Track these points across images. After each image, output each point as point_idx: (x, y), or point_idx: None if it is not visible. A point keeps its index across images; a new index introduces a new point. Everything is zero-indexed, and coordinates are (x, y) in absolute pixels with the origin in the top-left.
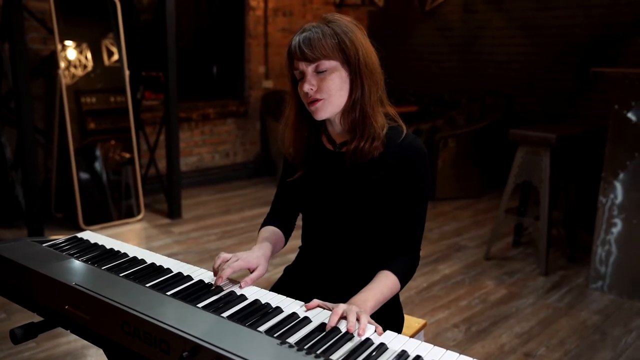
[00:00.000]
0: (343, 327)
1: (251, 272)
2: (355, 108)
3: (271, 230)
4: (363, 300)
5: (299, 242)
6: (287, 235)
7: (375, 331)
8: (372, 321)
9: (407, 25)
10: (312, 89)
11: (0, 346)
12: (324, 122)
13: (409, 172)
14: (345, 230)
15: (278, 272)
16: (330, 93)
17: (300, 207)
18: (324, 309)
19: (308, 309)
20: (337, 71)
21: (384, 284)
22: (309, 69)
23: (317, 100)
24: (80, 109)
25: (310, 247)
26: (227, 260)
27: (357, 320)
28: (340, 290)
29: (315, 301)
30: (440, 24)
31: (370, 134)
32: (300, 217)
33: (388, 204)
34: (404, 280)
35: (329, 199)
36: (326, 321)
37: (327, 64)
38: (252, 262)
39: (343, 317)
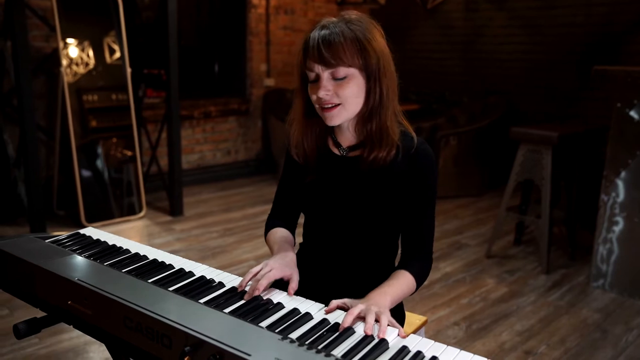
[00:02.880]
0: (359, 329)
1: (284, 281)
2: (372, 117)
3: (284, 233)
4: (382, 295)
5: (299, 239)
6: (292, 236)
7: (398, 334)
8: (393, 321)
9: (409, 23)
10: (327, 95)
11: (3, 342)
12: (328, 127)
13: (419, 179)
14: (349, 232)
15: None
16: (347, 100)
17: (303, 208)
18: (343, 309)
19: (328, 312)
20: (355, 78)
21: (401, 282)
22: (325, 74)
23: (333, 106)
24: (82, 106)
25: (312, 245)
26: (258, 273)
27: (377, 321)
28: (341, 288)
29: (334, 302)
30: (442, 22)
31: (387, 144)
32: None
33: (394, 209)
34: (419, 280)
35: (334, 203)
36: (328, 317)
37: (345, 71)
38: (286, 271)
39: (360, 317)
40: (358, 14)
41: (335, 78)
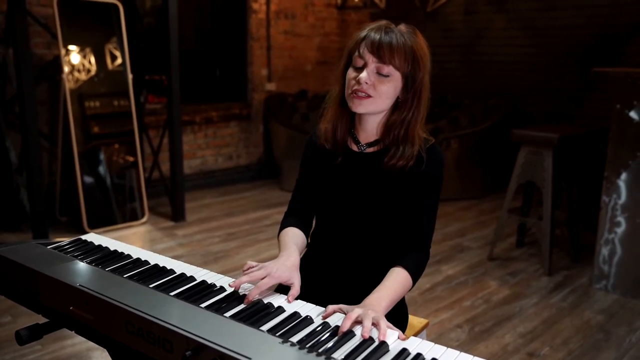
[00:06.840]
0: (358, 332)
1: (284, 285)
2: (401, 125)
3: (295, 233)
4: (377, 301)
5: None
6: (307, 236)
7: (398, 337)
8: (392, 326)
9: None
10: (367, 83)
11: (5, 349)
12: (353, 120)
13: (426, 177)
14: (360, 230)
15: None
16: (380, 96)
17: (318, 204)
18: (341, 313)
19: (325, 317)
20: (395, 80)
21: (396, 282)
22: (373, 66)
23: (366, 95)
24: (84, 113)
25: (320, 245)
26: (253, 268)
27: (375, 325)
28: (347, 289)
29: (331, 307)
30: (442, 25)
31: (409, 153)
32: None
33: (404, 208)
34: (415, 275)
35: (348, 198)
36: (329, 321)
37: (391, 71)
38: (284, 276)
39: (358, 321)
40: (418, 32)
41: (379, 72)
